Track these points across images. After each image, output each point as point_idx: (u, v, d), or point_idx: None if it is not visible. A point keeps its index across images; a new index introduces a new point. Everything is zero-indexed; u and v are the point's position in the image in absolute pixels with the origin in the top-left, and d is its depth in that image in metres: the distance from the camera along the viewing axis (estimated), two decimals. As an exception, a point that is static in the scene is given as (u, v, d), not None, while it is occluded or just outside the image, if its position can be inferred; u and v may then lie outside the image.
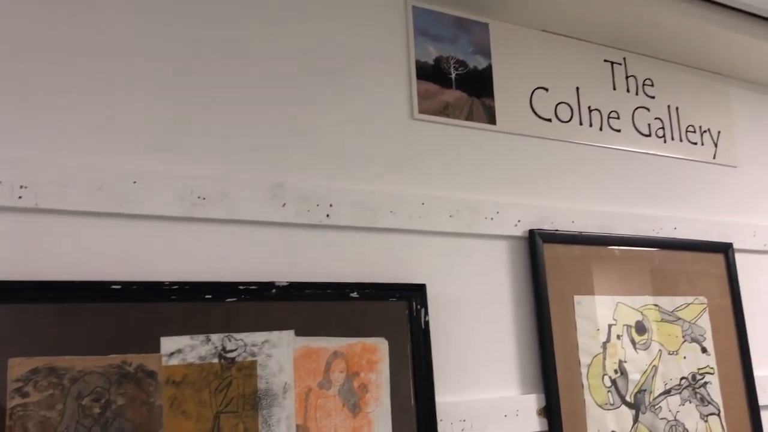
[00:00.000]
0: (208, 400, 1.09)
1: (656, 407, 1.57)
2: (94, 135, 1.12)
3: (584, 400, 1.48)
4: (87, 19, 1.15)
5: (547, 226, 1.54)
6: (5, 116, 1.06)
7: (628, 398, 1.54)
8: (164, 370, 1.07)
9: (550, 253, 1.51)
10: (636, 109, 1.79)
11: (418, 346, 1.29)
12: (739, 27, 1.77)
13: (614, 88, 1.77)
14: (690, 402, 1.63)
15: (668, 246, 1.71)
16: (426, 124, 1.46)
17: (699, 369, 1.67)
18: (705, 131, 1.91)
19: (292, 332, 1.19)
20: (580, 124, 1.68)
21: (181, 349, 1.09)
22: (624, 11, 1.63)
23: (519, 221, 1.51)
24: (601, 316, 1.55)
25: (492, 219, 1.47)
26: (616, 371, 1.54)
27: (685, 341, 1.67)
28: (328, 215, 1.29)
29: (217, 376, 1.11)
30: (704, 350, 1.69)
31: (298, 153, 1.30)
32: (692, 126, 1.88)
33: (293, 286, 1.20)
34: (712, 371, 1.69)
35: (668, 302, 1.67)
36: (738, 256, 1.83)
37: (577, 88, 1.69)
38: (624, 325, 1.58)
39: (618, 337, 1.56)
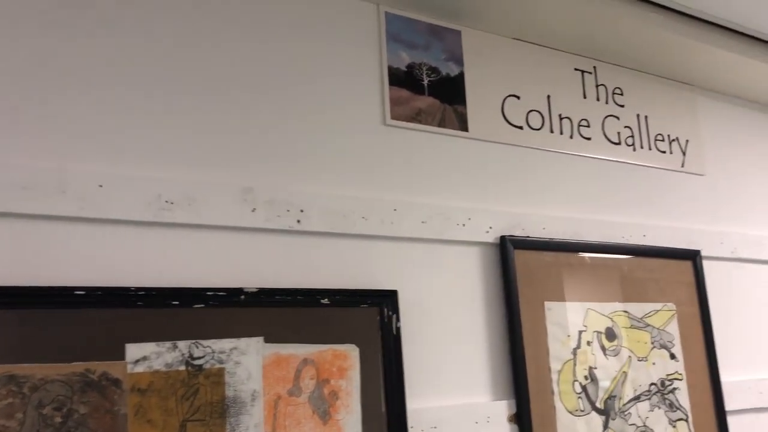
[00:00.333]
0: (174, 408, 1.07)
1: (626, 413, 1.58)
2: (58, 137, 1.10)
3: (555, 406, 1.48)
4: (48, 20, 1.13)
5: (518, 232, 1.54)
6: (-34, 117, 1.04)
7: (598, 404, 1.55)
8: (129, 377, 1.04)
9: (521, 259, 1.52)
10: (606, 117, 1.81)
11: (389, 353, 1.28)
12: (706, 38, 1.80)
13: (585, 97, 1.78)
14: (659, 408, 1.64)
15: (637, 253, 1.73)
16: (398, 130, 1.46)
17: (668, 375, 1.69)
18: (673, 140, 1.93)
19: (261, 339, 1.17)
20: (551, 131, 1.69)
21: (147, 356, 1.07)
22: (594, 21, 1.65)
23: (490, 228, 1.51)
24: (571, 323, 1.56)
25: (464, 225, 1.47)
26: (586, 377, 1.54)
27: (654, 347, 1.68)
28: (298, 221, 1.27)
29: (183, 383, 1.09)
30: (673, 356, 1.71)
31: (269, 158, 1.29)
32: (661, 135, 1.91)
33: (263, 292, 1.19)
34: (680, 377, 1.71)
35: (637, 309, 1.69)
36: (706, 263, 1.86)
37: (548, 96, 1.71)
38: (594, 332, 1.59)
39: (588, 343, 1.57)
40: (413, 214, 1.41)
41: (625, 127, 1.84)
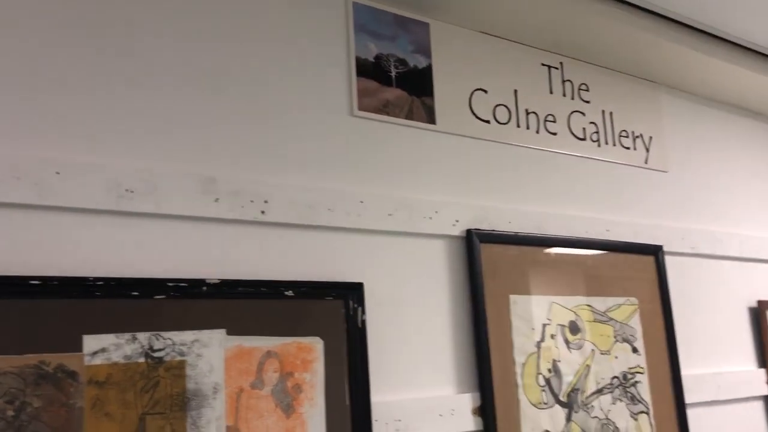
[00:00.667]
0: (133, 402, 1.05)
1: (589, 406, 1.60)
2: (13, 121, 1.06)
3: (519, 399, 1.49)
4: (7, 7, 1.09)
5: (484, 226, 1.55)
6: None
7: (561, 397, 1.56)
8: (86, 370, 1.02)
9: (486, 252, 1.52)
10: (572, 113, 1.82)
11: (354, 346, 1.27)
12: (672, 36, 1.83)
13: (551, 92, 1.79)
14: (621, 401, 1.66)
15: (601, 247, 1.74)
16: (366, 122, 1.45)
17: (630, 368, 1.71)
18: (638, 136, 1.96)
19: (223, 331, 1.15)
20: (518, 126, 1.69)
21: (106, 348, 1.04)
22: (561, 17, 1.66)
23: (457, 221, 1.51)
24: (536, 316, 1.57)
25: (430, 218, 1.47)
26: (550, 370, 1.55)
27: (616, 341, 1.70)
28: (263, 212, 1.25)
29: (143, 376, 1.06)
30: (635, 350, 1.73)
31: (233, 147, 1.27)
32: (625, 131, 1.93)
33: (225, 283, 1.17)
34: (642, 371, 1.73)
35: (601, 303, 1.70)
36: (668, 259, 1.89)
37: (515, 91, 1.71)
38: (558, 325, 1.60)
39: (552, 336, 1.58)
40: (380, 207, 1.40)
41: (591, 122, 1.86)
